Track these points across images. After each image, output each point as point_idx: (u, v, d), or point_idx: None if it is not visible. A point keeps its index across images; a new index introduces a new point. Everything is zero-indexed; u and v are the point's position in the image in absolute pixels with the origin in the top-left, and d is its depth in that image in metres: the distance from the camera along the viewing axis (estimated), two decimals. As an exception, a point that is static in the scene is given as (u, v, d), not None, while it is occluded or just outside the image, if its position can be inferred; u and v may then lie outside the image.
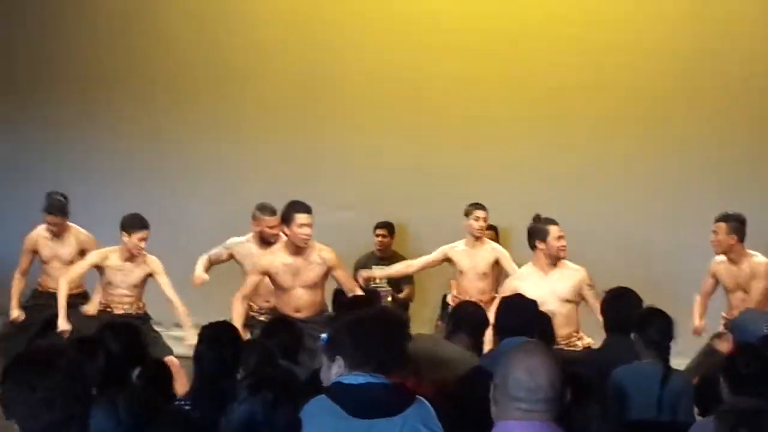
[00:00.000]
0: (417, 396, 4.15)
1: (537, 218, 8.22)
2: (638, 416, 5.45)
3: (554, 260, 7.99)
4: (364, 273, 9.50)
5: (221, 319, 5.87)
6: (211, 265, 9.09)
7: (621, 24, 10.85)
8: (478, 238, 9.33)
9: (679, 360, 6.51)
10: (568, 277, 7.97)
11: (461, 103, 11.15)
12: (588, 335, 7.84)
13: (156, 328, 9.00)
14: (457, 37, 11.09)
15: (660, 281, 9.55)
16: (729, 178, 10.56)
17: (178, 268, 9.01)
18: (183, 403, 5.12)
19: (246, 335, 7.53)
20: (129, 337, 5.23)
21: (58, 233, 9.32)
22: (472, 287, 9.17)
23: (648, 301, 6.24)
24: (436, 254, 9.35)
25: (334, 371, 4.13)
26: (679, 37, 10.73)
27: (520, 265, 8.65)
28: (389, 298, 9.79)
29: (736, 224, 8.40)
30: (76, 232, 9.41)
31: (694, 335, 8.53)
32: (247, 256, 8.88)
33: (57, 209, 9.24)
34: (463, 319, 6.50)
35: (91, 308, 8.97)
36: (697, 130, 10.68)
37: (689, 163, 10.74)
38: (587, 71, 10.89)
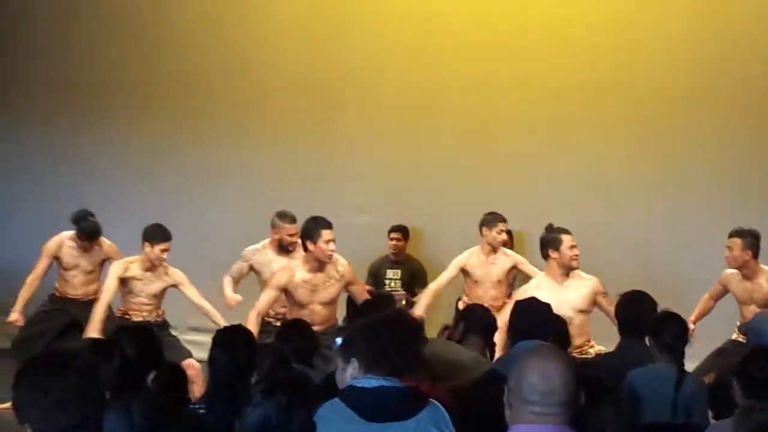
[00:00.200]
0: (430, 399, 4.14)
1: (550, 227, 8.23)
2: (652, 419, 5.45)
3: (567, 270, 8.00)
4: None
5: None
6: (236, 282, 9.08)
7: (635, 23, 10.84)
8: (494, 249, 9.34)
9: (689, 363, 6.48)
10: (581, 287, 7.98)
11: (478, 106, 11.13)
12: (599, 343, 7.84)
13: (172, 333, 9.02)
14: (473, 39, 11.08)
15: (660, 281, 9.51)
16: (730, 179, 10.55)
17: (196, 276, 9.01)
18: (197, 406, 5.13)
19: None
20: (144, 341, 5.23)
21: (86, 249, 9.32)
22: (486, 295, 9.17)
23: (664, 306, 6.23)
24: (451, 270, 9.31)
25: (349, 373, 4.13)
26: (683, 36, 10.72)
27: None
28: (403, 302, 9.78)
29: (751, 240, 8.35)
30: (101, 242, 9.38)
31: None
32: (266, 264, 8.90)
33: (89, 235, 9.20)
34: (473, 322, 6.50)
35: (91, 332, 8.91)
36: (698, 130, 10.66)
37: (691, 164, 10.71)
38: (592, 71, 10.87)
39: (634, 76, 10.80)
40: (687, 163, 10.71)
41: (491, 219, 9.33)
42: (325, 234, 7.92)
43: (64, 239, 9.33)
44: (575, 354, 7.69)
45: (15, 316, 9.33)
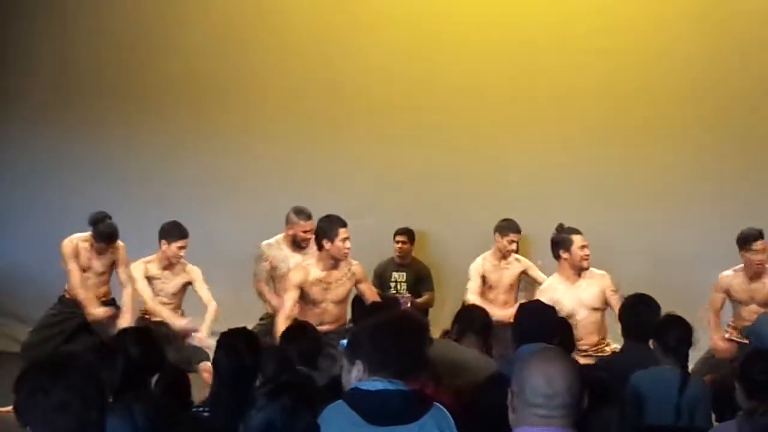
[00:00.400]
0: (435, 402, 4.15)
1: (560, 228, 8.25)
2: (656, 421, 5.46)
3: (578, 270, 8.04)
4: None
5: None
6: (267, 283, 9.05)
7: (643, 21, 10.84)
8: (504, 255, 9.38)
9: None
10: (594, 284, 8.03)
11: (485, 109, 11.12)
12: (615, 342, 7.84)
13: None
14: (478, 41, 11.09)
15: (668, 285, 9.51)
16: (741, 183, 10.56)
17: (207, 277, 9.00)
18: (202, 409, 5.14)
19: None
20: (148, 343, 5.23)
21: (101, 251, 9.28)
22: (497, 299, 9.27)
23: (671, 308, 6.22)
24: (476, 276, 9.33)
25: (354, 375, 4.13)
26: (686, 36, 10.74)
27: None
28: (408, 305, 9.79)
29: None
30: (115, 244, 9.28)
31: (721, 355, 8.44)
32: (282, 259, 8.94)
33: (108, 237, 9.10)
34: (469, 322, 6.60)
35: (125, 322, 8.95)
36: (706, 132, 10.68)
37: (700, 168, 10.72)
38: (601, 72, 10.90)
39: (644, 77, 10.80)
40: (695, 167, 10.73)
41: (505, 227, 9.41)
42: (342, 232, 7.96)
43: (78, 241, 9.22)
44: (591, 353, 7.74)
45: (102, 310, 9.14)
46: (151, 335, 5.50)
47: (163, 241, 8.71)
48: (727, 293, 8.63)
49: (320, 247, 8.04)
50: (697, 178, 10.76)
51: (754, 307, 8.45)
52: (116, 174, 11.67)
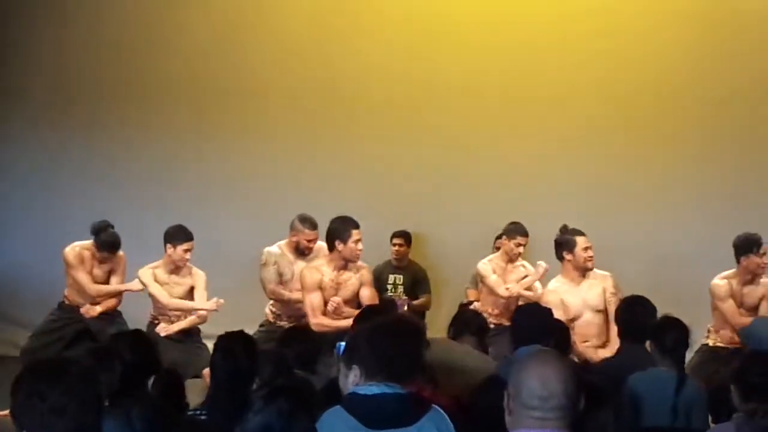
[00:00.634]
0: (432, 405, 4.15)
1: (564, 229, 8.25)
2: (653, 423, 5.47)
3: (582, 271, 8.04)
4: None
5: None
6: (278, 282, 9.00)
7: (657, 33, 10.86)
8: (511, 259, 9.39)
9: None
10: (597, 285, 8.03)
11: (483, 110, 11.12)
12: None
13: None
14: (476, 42, 11.09)
15: (669, 287, 9.54)
16: (743, 184, 10.57)
17: (210, 283, 9.01)
18: (199, 413, 5.14)
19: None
20: (143, 346, 5.22)
21: (103, 260, 9.26)
22: (498, 303, 9.25)
23: (671, 309, 6.23)
24: (491, 272, 9.28)
25: (351, 379, 4.13)
26: (688, 35, 10.76)
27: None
28: (405, 307, 9.78)
29: None
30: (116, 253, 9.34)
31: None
32: (286, 265, 8.90)
33: (110, 246, 9.11)
34: (465, 323, 6.63)
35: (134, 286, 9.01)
36: (719, 140, 10.69)
37: (702, 169, 10.74)
38: (602, 71, 10.90)
39: (644, 77, 10.80)
40: (695, 167, 10.74)
41: (512, 230, 9.43)
42: (355, 234, 8.02)
43: (80, 249, 9.21)
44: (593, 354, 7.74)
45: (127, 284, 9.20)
46: (145, 338, 5.50)
47: (169, 245, 8.70)
48: (731, 296, 8.62)
49: (332, 248, 8.08)
50: (697, 179, 10.77)
51: (742, 311, 8.48)
52: (116, 176, 11.64)
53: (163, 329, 8.69)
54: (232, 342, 5.34)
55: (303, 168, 11.43)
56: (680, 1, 10.90)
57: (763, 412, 4.49)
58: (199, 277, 8.88)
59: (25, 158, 11.91)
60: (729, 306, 8.52)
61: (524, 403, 3.26)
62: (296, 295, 8.67)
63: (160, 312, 8.84)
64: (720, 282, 8.55)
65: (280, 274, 8.93)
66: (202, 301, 8.82)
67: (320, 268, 8.15)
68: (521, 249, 9.42)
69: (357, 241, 8.01)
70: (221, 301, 8.61)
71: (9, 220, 11.93)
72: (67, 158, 11.80)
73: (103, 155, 11.73)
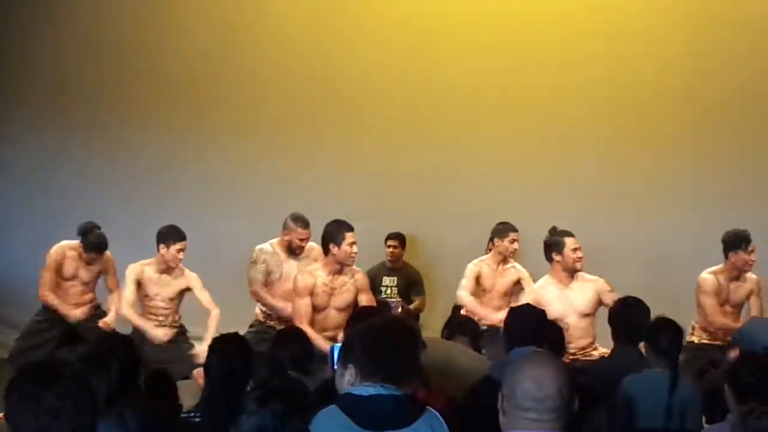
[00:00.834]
0: (427, 407, 4.15)
1: (553, 230, 8.28)
2: (647, 424, 5.47)
3: (571, 272, 8.06)
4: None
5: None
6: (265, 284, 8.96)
7: (654, 34, 10.86)
8: (505, 259, 9.37)
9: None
10: (586, 289, 8.05)
11: (478, 113, 11.14)
12: (603, 346, 7.85)
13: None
14: (474, 43, 11.10)
15: (665, 289, 9.54)
16: (742, 185, 10.58)
17: (208, 285, 9.00)
18: (193, 414, 5.14)
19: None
20: (134, 347, 5.20)
21: (90, 261, 9.25)
22: (490, 304, 9.24)
23: (666, 309, 6.23)
24: (471, 276, 9.30)
25: (347, 379, 4.13)
26: (688, 34, 10.77)
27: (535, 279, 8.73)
28: (400, 309, 9.79)
29: None
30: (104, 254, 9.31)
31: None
32: (277, 264, 8.88)
33: (97, 247, 9.10)
34: (457, 326, 6.75)
35: (110, 320, 9.00)
36: (710, 142, 10.69)
37: (700, 170, 10.74)
38: (597, 72, 10.89)
39: (642, 78, 10.81)
40: (691, 168, 10.75)
41: (502, 229, 9.42)
42: (349, 236, 7.99)
43: (65, 249, 9.22)
44: (579, 356, 7.75)
45: (77, 312, 9.15)
46: (130, 339, 5.49)
47: (162, 245, 8.69)
48: (717, 293, 8.65)
49: (326, 252, 8.05)
50: (695, 179, 10.77)
51: (727, 308, 8.52)
52: (116, 176, 11.65)
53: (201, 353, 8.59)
54: (228, 344, 5.34)
55: (303, 168, 11.43)
56: (680, 2, 10.94)
57: (757, 413, 4.48)
58: (193, 279, 8.86)
59: (25, 158, 11.91)
60: (711, 304, 8.58)
61: (519, 404, 3.26)
62: (278, 303, 8.70)
63: (148, 311, 8.82)
64: (707, 276, 8.60)
65: (268, 273, 8.89)
66: (207, 302, 8.80)
67: (314, 272, 8.12)
68: (516, 245, 9.40)
69: (351, 244, 7.98)
70: (201, 349, 8.29)
71: (9, 220, 11.94)
72: (67, 158, 11.80)
73: (103, 155, 11.73)
